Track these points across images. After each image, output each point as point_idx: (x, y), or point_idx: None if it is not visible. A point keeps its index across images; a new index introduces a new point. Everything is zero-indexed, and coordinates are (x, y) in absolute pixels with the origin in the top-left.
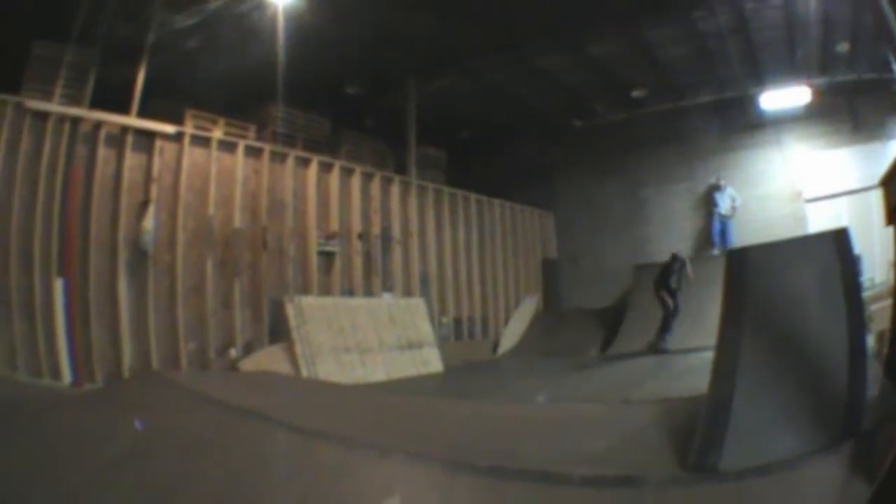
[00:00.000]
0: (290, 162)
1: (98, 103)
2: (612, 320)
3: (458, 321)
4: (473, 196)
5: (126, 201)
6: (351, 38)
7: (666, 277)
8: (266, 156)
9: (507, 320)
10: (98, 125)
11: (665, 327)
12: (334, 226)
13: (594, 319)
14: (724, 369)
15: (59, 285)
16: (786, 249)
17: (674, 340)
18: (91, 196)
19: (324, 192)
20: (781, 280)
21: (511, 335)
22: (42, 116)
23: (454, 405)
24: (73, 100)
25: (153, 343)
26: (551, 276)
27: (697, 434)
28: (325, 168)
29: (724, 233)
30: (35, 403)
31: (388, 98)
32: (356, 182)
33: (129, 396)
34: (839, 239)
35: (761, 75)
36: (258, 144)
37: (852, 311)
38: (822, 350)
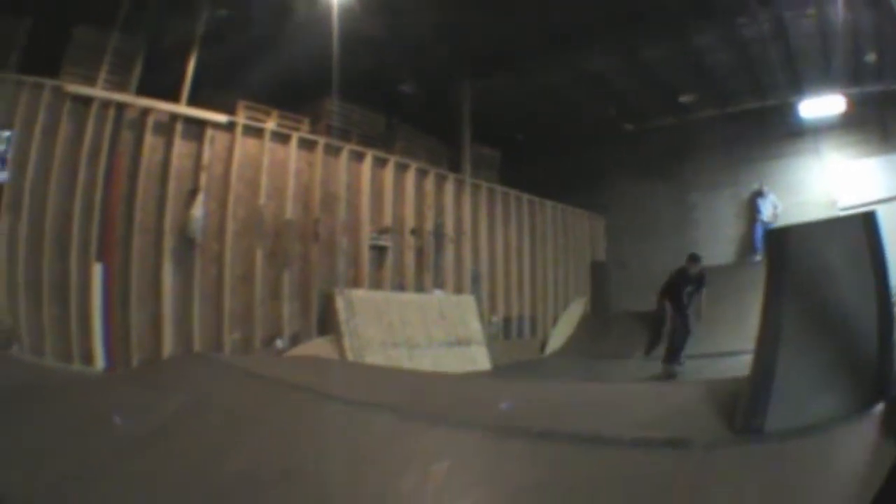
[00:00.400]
0: (345, 155)
1: (146, 91)
2: (657, 324)
3: (507, 320)
4: (526, 196)
5: (174, 189)
6: (406, 35)
7: (678, 286)
8: (320, 149)
9: (555, 321)
10: (145, 112)
11: (673, 349)
12: (387, 221)
13: (640, 323)
14: (767, 339)
15: (97, 270)
16: (821, 228)
17: (713, 343)
18: (136, 182)
19: (377, 186)
20: (817, 256)
21: (559, 336)
22: (84, 101)
23: (501, 382)
24: (117, 86)
25: (196, 331)
26: (600, 279)
27: (743, 399)
28: (380, 163)
29: None
30: (63, 385)
31: (443, 97)
32: (410, 178)
33: (166, 374)
34: (867, 221)
35: (800, 84)
36: (312, 137)
37: (880, 287)
38: (853, 322)
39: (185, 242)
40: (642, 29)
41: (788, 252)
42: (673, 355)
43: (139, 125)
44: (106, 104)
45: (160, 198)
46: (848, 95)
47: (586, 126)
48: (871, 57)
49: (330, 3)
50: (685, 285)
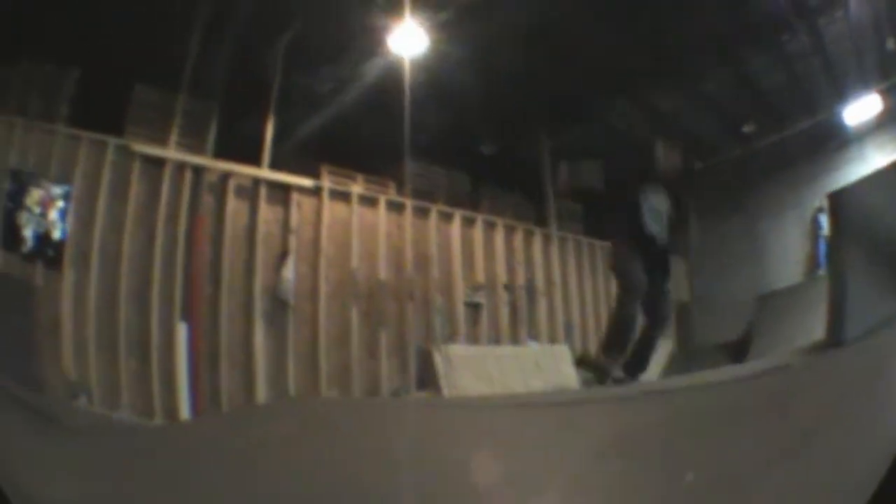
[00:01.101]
0: (433, 217)
1: (224, 154)
2: (736, 354)
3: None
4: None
5: (262, 252)
6: (483, 93)
7: (638, 200)
8: (408, 211)
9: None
10: (226, 176)
11: (618, 334)
12: (479, 278)
13: (722, 355)
14: (838, 270)
15: (181, 329)
16: (868, 181)
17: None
18: (221, 245)
19: (468, 245)
20: (867, 200)
21: (649, 376)
22: (155, 162)
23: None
24: (192, 149)
25: (292, 390)
26: (683, 318)
27: (826, 320)
28: (468, 223)
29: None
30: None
31: (524, 153)
32: (499, 235)
33: (264, 416)
34: None
35: (841, 91)
36: (400, 199)
37: None
38: None
39: (277, 304)
40: (701, 62)
41: (845, 203)
42: (611, 344)
43: (220, 189)
44: (181, 166)
45: (248, 260)
46: (880, 91)
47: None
48: (891, 44)
49: (405, 67)
50: (652, 196)
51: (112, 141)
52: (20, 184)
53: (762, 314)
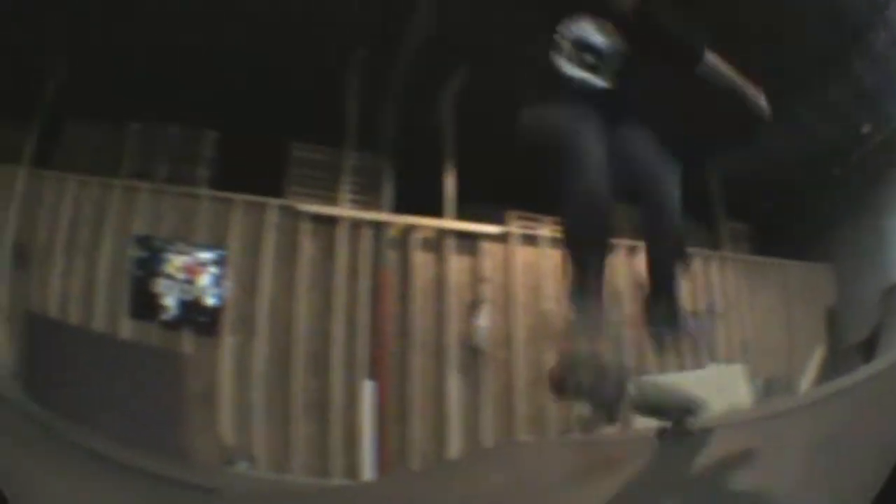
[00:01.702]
0: (620, 251)
1: (405, 208)
2: (868, 352)
3: (768, 381)
4: (775, 262)
5: (453, 302)
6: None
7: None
8: None
9: (804, 372)
10: (408, 229)
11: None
12: None
13: (861, 355)
14: None
15: (367, 387)
16: None
17: None
18: (409, 299)
19: None
20: None
21: (807, 382)
22: (327, 221)
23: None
24: (366, 205)
25: (486, 440)
26: (833, 324)
27: None
28: None
29: None
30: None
31: (696, 180)
32: None
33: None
34: None
35: None
36: None
37: None
38: None
39: (470, 353)
40: (825, 70)
41: None
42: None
43: (403, 243)
44: (357, 224)
45: (438, 312)
46: None
47: (803, 180)
48: None
49: None
50: (585, 28)
51: (274, 202)
52: (152, 251)
53: (887, 308)
